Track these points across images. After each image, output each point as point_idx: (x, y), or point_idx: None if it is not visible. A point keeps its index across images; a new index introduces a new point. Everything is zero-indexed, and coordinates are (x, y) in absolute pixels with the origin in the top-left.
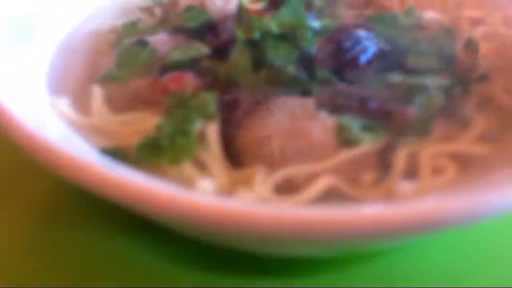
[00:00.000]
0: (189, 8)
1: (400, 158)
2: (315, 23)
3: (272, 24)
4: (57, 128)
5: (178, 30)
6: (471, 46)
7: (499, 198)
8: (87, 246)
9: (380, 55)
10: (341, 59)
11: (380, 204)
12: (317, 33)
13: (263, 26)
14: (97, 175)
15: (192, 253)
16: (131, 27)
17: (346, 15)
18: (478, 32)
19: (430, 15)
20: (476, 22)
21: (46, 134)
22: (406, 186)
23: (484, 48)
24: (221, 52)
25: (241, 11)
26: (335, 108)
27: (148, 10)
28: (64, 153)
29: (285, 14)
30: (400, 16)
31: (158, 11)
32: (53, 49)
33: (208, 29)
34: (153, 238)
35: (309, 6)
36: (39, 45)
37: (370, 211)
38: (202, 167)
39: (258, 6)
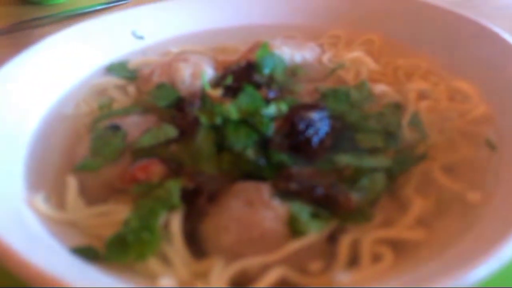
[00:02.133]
0: (160, 86)
1: (343, 247)
2: (271, 109)
3: (232, 110)
4: (30, 229)
5: (150, 110)
6: (415, 122)
7: None
8: None
9: (332, 135)
10: (296, 141)
11: None
12: (273, 118)
13: (224, 112)
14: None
15: None
16: (106, 109)
17: (304, 90)
18: (423, 105)
19: (380, 88)
20: (422, 94)
21: (14, 241)
22: (344, 278)
23: (427, 122)
24: (187, 133)
25: (205, 97)
26: (287, 193)
27: (122, 89)
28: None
29: (243, 101)
30: (352, 90)
31: (131, 89)
32: (28, 137)
33: (177, 108)
34: None
35: (271, 80)
36: (13, 134)
37: None
38: (165, 260)
39: (219, 92)
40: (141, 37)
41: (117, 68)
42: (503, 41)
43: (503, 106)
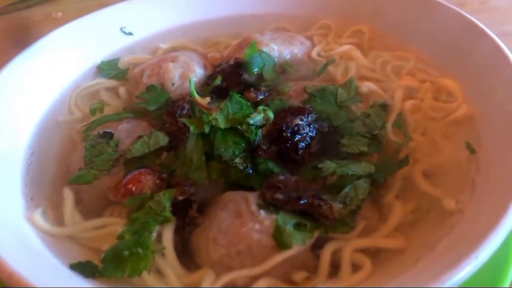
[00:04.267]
0: (150, 88)
1: (325, 258)
2: (257, 118)
3: (220, 119)
4: (32, 248)
5: (140, 115)
6: (400, 123)
7: None
8: None
9: (318, 140)
10: (283, 148)
11: None
12: (260, 126)
13: (212, 121)
14: None
15: None
16: (98, 113)
17: (292, 90)
18: (408, 105)
19: (368, 86)
20: (408, 92)
21: (18, 264)
22: None
23: (411, 122)
24: (177, 139)
25: (193, 104)
26: (274, 202)
27: (113, 90)
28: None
29: (230, 109)
30: (340, 89)
31: (122, 91)
32: (23, 149)
33: (167, 113)
34: None
35: (260, 79)
36: (9, 149)
37: None
38: (159, 274)
39: (207, 100)
40: (130, 34)
41: (108, 67)
42: (493, 41)
43: (485, 107)
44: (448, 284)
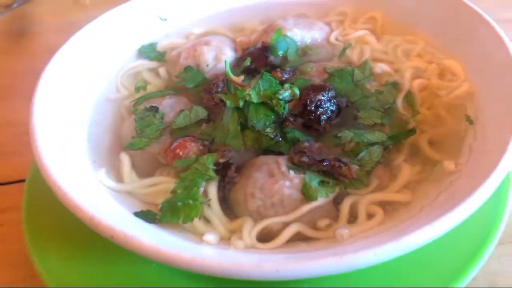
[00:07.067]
0: (187, 69)
1: (345, 208)
2: (286, 93)
3: (253, 94)
4: (104, 201)
5: (180, 92)
6: (409, 99)
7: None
8: None
9: (337, 113)
10: (307, 120)
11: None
12: (287, 100)
13: (246, 96)
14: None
15: None
16: (142, 90)
17: (314, 70)
18: (417, 83)
19: (381, 67)
20: (417, 72)
21: (93, 210)
22: (344, 233)
23: (419, 98)
24: (215, 113)
25: (229, 82)
26: (301, 165)
27: (154, 71)
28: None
29: (261, 86)
30: (356, 70)
31: (162, 71)
32: (86, 121)
33: (204, 90)
34: None
35: (285, 61)
36: (76, 120)
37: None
38: (207, 221)
39: (241, 78)
40: (164, 19)
41: (148, 50)
42: (491, 27)
43: (483, 85)
44: (446, 225)
